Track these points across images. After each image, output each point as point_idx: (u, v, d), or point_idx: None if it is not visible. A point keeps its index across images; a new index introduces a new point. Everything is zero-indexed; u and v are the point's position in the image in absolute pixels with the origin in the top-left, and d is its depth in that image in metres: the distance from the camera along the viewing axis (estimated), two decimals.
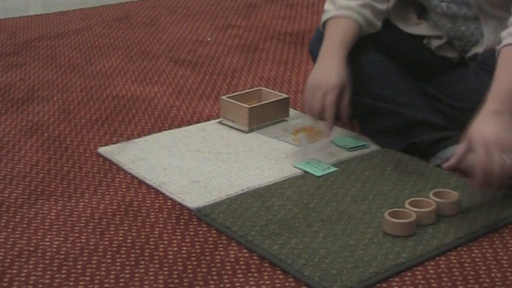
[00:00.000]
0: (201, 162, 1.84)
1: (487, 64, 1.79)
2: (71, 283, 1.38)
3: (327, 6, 1.94)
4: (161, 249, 1.49)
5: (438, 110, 1.86)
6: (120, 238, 1.53)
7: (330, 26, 1.89)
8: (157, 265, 1.44)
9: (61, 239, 1.53)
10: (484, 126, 1.56)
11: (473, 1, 1.80)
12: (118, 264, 1.44)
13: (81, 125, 2.10)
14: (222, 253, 1.48)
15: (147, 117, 2.15)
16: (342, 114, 1.83)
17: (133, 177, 1.79)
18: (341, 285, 1.35)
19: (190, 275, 1.41)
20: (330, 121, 1.80)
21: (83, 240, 1.52)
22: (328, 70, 1.82)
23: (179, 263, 1.44)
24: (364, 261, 1.43)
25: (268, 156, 1.88)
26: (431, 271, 1.42)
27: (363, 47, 1.97)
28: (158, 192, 1.72)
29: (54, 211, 1.64)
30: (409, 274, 1.41)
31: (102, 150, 1.92)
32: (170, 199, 1.69)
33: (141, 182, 1.77)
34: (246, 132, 2.01)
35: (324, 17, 1.92)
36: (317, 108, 1.80)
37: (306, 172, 1.79)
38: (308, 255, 1.45)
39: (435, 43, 1.97)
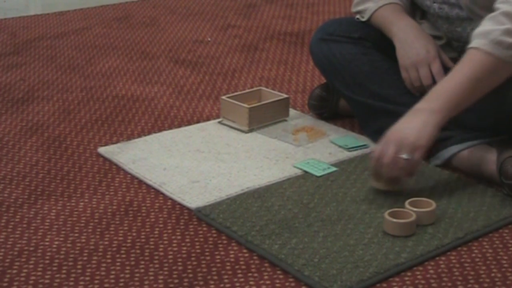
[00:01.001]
0: (201, 162, 1.84)
1: None
2: (71, 283, 1.38)
3: (363, 5, 1.96)
4: (161, 249, 1.49)
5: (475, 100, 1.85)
6: (120, 238, 1.53)
7: (383, 13, 1.92)
8: (157, 265, 1.44)
9: (61, 239, 1.53)
10: (399, 123, 1.64)
11: (463, 4, 1.80)
12: (118, 264, 1.44)
13: (81, 125, 2.10)
14: (222, 253, 1.48)
15: (147, 117, 2.15)
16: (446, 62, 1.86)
17: (133, 177, 1.79)
18: (341, 285, 1.35)
19: (190, 275, 1.41)
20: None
21: (83, 240, 1.52)
22: (421, 43, 1.84)
23: (179, 263, 1.44)
24: (364, 261, 1.43)
25: (268, 156, 1.88)
26: (431, 271, 1.42)
27: (364, 46, 1.97)
28: (158, 192, 1.72)
29: (54, 211, 1.64)
30: (409, 274, 1.41)
31: (102, 150, 1.93)
32: (170, 199, 1.69)
33: (141, 182, 1.77)
34: (246, 132, 2.01)
35: (367, 13, 1.95)
36: (429, 81, 1.82)
37: (306, 172, 1.79)
38: (308, 255, 1.45)
39: None
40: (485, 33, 1.63)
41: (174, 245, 1.50)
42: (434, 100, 1.63)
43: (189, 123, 2.11)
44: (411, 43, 1.84)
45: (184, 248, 1.49)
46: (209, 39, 2.91)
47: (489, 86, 1.66)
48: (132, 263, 1.44)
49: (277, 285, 1.38)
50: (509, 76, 1.66)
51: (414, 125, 1.61)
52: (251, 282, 1.39)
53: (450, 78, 1.65)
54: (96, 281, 1.39)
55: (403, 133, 1.61)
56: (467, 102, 1.65)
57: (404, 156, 1.59)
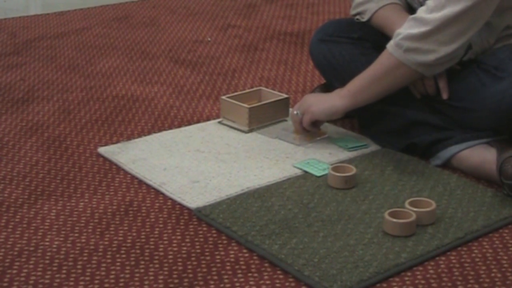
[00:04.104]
0: (201, 162, 1.84)
1: (486, 64, 1.79)
2: (71, 283, 1.38)
3: (363, 7, 1.96)
4: (161, 249, 1.49)
5: (437, 110, 1.86)
6: (120, 238, 1.53)
7: (384, 13, 1.93)
8: (157, 265, 1.44)
9: (61, 239, 1.53)
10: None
11: None
12: (118, 264, 1.44)
13: (81, 125, 2.10)
14: (222, 253, 1.48)
15: (147, 117, 2.15)
16: None
17: (133, 177, 1.79)
18: (341, 285, 1.36)
19: (190, 275, 1.41)
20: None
21: (83, 240, 1.52)
22: None
23: (179, 263, 1.44)
24: (364, 261, 1.43)
25: (268, 156, 1.88)
26: (431, 271, 1.42)
27: (363, 47, 1.97)
28: (158, 192, 1.72)
29: (54, 211, 1.64)
30: (409, 274, 1.41)
31: (102, 150, 1.93)
32: (170, 199, 1.69)
33: (141, 182, 1.77)
34: (246, 132, 2.01)
35: (368, 13, 1.95)
36: (430, 81, 1.85)
37: (306, 172, 1.79)
38: (308, 255, 1.45)
39: None
40: (396, 34, 1.75)
41: (174, 245, 1.50)
42: (344, 87, 1.83)
43: (189, 123, 2.11)
44: None
45: (184, 248, 1.49)
46: (209, 39, 2.91)
47: (390, 85, 1.78)
48: (132, 263, 1.44)
49: (277, 285, 1.38)
50: (406, 80, 1.78)
51: (320, 97, 1.89)
52: (251, 282, 1.39)
53: (366, 70, 1.81)
54: (96, 281, 1.39)
55: (310, 98, 1.88)
56: (368, 95, 1.81)
57: (296, 112, 1.89)
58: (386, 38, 1.93)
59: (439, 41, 1.69)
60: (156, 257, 1.46)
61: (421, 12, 1.72)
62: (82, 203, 1.67)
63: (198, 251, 1.48)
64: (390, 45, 1.75)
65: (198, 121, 2.12)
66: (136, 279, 1.39)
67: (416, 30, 1.70)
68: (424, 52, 1.70)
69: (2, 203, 1.67)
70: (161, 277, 1.40)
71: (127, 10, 3.35)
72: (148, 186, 1.75)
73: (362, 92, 1.80)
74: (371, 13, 1.94)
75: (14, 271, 1.42)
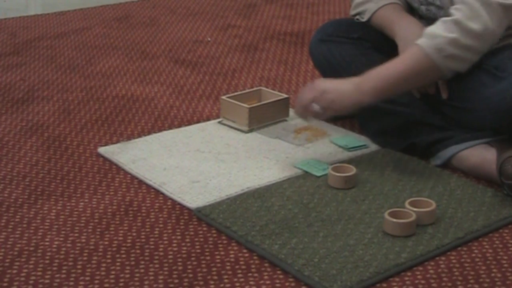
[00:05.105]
0: (201, 162, 1.84)
1: (486, 63, 1.79)
2: (71, 283, 1.38)
3: (362, 7, 1.96)
4: (161, 249, 1.49)
5: (437, 110, 1.86)
6: (120, 238, 1.53)
7: (384, 13, 1.93)
8: (157, 265, 1.44)
9: (61, 239, 1.53)
10: (331, 80, 1.76)
11: (445, 6, 1.81)
12: (118, 264, 1.44)
13: (81, 125, 2.10)
14: (222, 253, 1.48)
15: (147, 117, 2.15)
16: None
17: (133, 177, 1.79)
18: (341, 285, 1.36)
19: (190, 275, 1.41)
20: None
21: (83, 240, 1.52)
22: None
23: (179, 263, 1.44)
24: (364, 261, 1.43)
25: (268, 156, 1.88)
26: (431, 271, 1.42)
27: (363, 47, 1.97)
28: (158, 192, 1.72)
29: (54, 211, 1.64)
30: (409, 274, 1.41)
31: (102, 150, 1.92)
32: (170, 199, 1.69)
33: (141, 182, 1.77)
34: (246, 132, 2.01)
35: (368, 13, 1.95)
36: None
37: (306, 172, 1.79)
38: (308, 255, 1.45)
39: None
40: (433, 35, 1.68)
41: (174, 245, 1.50)
42: (366, 81, 1.72)
43: (189, 123, 2.11)
44: (414, 42, 1.84)
45: (184, 248, 1.49)
46: (209, 39, 2.91)
47: (415, 84, 1.77)
48: (132, 263, 1.44)
49: (277, 285, 1.38)
50: (431, 81, 1.77)
51: (340, 89, 1.73)
52: (251, 282, 1.39)
53: (388, 65, 1.73)
54: (96, 281, 1.39)
55: (328, 88, 1.72)
56: (392, 92, 1.74)
57: (317, 108, 1.73)
58: (386, 38, 1.93)
59: (481, 53, 1.70)
60: (156, 257, 1.46)
61: (458, 14, 1.67)
62: (82, 203, 1.67)
63: (198, 251, 1.48)
64: (429, 47, 1.67)
65: (198, 121, 2.12)
66: (136, 279, 1.39)
67: (464, 39, 1.66)
68: (463, 61, 1.69)
69: (2, 203, 1.67)
70: (161, 277, 1.40)
71: (127, 10, 3.35)
72: (148, 186, 1.75)
73: (388, 90, 1.73)
74: (371, 13, 1.94)
75: (14, 271, 1.42)
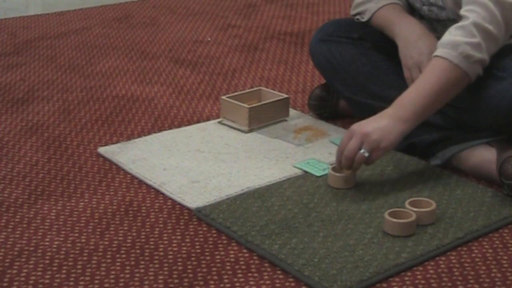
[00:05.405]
0: (201, 162, 1.84)
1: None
2: (71, 283, 1.38)
3: (363, 7, 1.96)
4: (161, 249, 1.49)
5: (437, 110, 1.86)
6: (120, 238, 1.53)
7: (384, 13, 1.92)
8: (157, 265, 1.44)
9: (61, 239, 1.53)
10: (367, 120, 1.67)
11: (447, 6, 1.81)
12: (118, 264, 1.44)
13: (81, 125, 2.10)
14: (222, 253, 1.48)
15: (147, 117, 2.15)
16: None
17: (133, 177, 1.79)
18: (341, 285, 1.35)
19: (190, 275, 1.41)
20: None
21: (83, 240, 1.52)
22: (424, 43, 1.83)
23: (179, 263, 1.44)
24: (364, 261, 1.43)
25: (268, 156, 1.88)
26: (431, 271, 1.42)
27: (363, 47, 1.97)
28: (158, 192, 1.72)
29: (54, 211, 1.64)
30: (409, 274, 1.41)
31: (102, 150, 1.93)
32: (170, 199, 1.69)
33: (141, 182, 1.77)
34: (246, 132, 2.01)
35: (368, 13, 1.95)
36: None
37: (306, 172, 1.79)
38: (308, 255, 1.45)
39: None
40: (454, 44, 1.65)
41: (174, 245, 1.50)
42: (402, 109, 1.66)
43: (189, 123, 2.11)
44: (414, 42, 1.84)
45: (184, 248, 1.49)
46: (209, 39, 2.91)
47: (450, 97, 1.69)
48: (132, 263, 1.44)
49: (277, 285, 1.38)
50: (461, 90, 1.70)
51: (381, 127, 1.64)
52: (251, 282, 1.39)
53: (418, 86, 1.67)
54: (96, 281, 1.39)
55: (369, 130, 1.63)
56: (431, 111, 1.69)
57: (364, 152, 1.63)
58: (386, 38, 1.93)
59: (493, 54, 1.69)
60: (156, 257, 1.46)
61: (474, 16, 1.65)
62: (82, 203, 1.67)
63: (198, 251, 1.48)
64: (455, 57, 1.64)
65: (198, 121, 2.12)
66: (136, 279, 1.39)
67: (486, 42, 1.65)
68: (484, 64, 1.68)
69: (2, 203, 1.67)
70: (161, 277, 1.40)
71: (127, 10, 3.35)
72: (148, 186, 1.75)
73: (427, 111, 1.67)
74: (371, 13, 1.94)
75: (14, 271, 1.42)
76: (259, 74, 2.51)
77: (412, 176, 1.76)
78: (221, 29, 3.04)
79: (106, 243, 1.51)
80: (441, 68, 1.66)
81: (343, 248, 1.47)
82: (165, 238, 1.53)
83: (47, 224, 1.59)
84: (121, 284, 1.38)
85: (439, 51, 1.67)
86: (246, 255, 1.47)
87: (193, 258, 1.46)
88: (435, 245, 1.48)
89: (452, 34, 1.67)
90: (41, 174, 1.81)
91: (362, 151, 1.63)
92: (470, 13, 1.66)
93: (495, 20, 1.65)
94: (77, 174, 1.81)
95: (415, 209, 1.54)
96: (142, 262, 1.45)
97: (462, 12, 1.68)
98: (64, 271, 1.42)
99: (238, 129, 2.03)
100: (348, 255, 1.45)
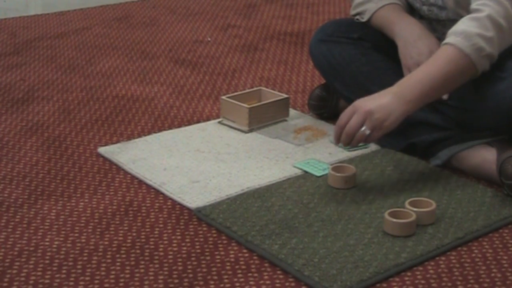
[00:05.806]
0: (201, 162, 1.84)
1: None
2: (71, 283, 1.38)
3: (362, 7, 1.96)
4: (161, 249, 1.49)
5: (437, 110, 1.86)
6: (120, 238, 1.53)
7: (384, 13, 1.92)
8: (157, 265, 1.44)
9: (61, 239, 1.53)
10: (371, 97, 1.65)
11: (448, 6, 1.80)
12: (118, 264, 1.44)
13: (81, 125, 2.10)
14: (222, 253, 1.48)
15: (147, 117, 2.15)
16: None
17: (133, 177, 1.79)
18: (341, 285, 1.35)
19: (190, 275, 1.41)
20: None
21: (83, 240, 1.52)
22: (424, 43, 1.83)
23: (179, 263, 1.44)
24: (364, 261, 1.43)
25: (268, 156, 1.88)
26: (431, 271, 1.42)
27: (363, 47, 1.97)
28: (158, 192, 1.72)
29: (54, 211, 1.64)
30: (409, 274, 1.41)
31: (102, 150, 1.93)
32: (170, 199, 1.69)
33: (141, 182, 1.77)
34: (246, 132, 2.01)
35: (368, 14, 1.94)
36: None
37: (306, 172, 1.79)
38: (308, 255, 1.45)
39: None
40: (468, 35, 1.63)
41: (174, 245, 1.51)
42: (407, 89, 1.64)
43: (189, 123, 2.11)
44: (414, 42, 1.84)
45: (184, 248, 1.49)
46: (209, 39, 2.91)
47: (455, 85, 1.68)
48: (132, 263, 1.44)
49: (277, 285, 1.38)
50: (466, 81, 1.69)
51: (384, 105, 1.62)
52: (251, 282, 1.39)
53: (425, 69, 1.66)
54: (96, 281, 1.39)
55: (373, 108, 1.61)
56: (435, 96, 1.68)
57: (365, 130, 1.61)
58: (386, 38, 1.93)
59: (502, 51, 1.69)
60: (156, 257, 1.46)
61: (488, 10, 1.64)
62: (82, 203, 1.67)
63: (198, 251, 1.48)
64: (467, 47, 1.63)
65: (198, 121, 2.12)
66: (136, 279, 1.39)
67: (498, 38, 1.64)
68: (493, 59, 1.67)
69: (2, 203, 1.67)
70: (161, 277, 1.40)
71: (127, 10, 3.35)
72: (148, 186, 1.75)
73: (431, 94, 1.66)
74: (370, 13, 1.94)
75: (14, 271, 1.42)
76: (259, 74, 2.51)
77: (412, 176, 1.76)
78: (221, 29, 3.04)
79: (106, 243, 1.51)
80: (451, 55, 1.64)
81: (343, 248, 1.47)
82: (165, 238, 1.53)
83: (47, 224, 1.59)
84: (121, 284, 1.38)
85: (451, 39, 1.65)
86: (246, 255, 1.47)
87: (193, 258, 1.46)
88: (435, 245, 1.48)
89: (466, 24, 1.65)
90: (41, 174, 1.81)
91: (363, 128, 1.61)
92: (484, 7, 1.65)
93: (508, 15, 1.64)
94: (77, 174, 1.81)
95: (415, 209, 1.54)
96: (142, 262, 1.45)
97: (474, 6, 1.67)
98: (64, 271, 1.42)
99: (238, 129, 2.03)
100: (348, 255, 1.45)
